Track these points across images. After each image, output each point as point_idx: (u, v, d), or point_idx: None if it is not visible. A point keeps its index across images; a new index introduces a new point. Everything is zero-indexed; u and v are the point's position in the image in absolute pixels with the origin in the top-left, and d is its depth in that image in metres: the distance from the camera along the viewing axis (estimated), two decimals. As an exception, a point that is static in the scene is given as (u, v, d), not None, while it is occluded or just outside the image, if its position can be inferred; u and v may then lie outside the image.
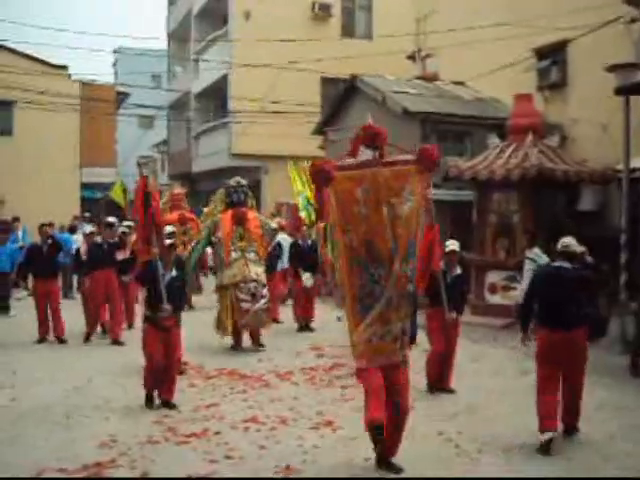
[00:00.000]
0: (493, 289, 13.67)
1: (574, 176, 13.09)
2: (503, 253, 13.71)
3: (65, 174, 24.90)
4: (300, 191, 17.17)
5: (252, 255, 10.88)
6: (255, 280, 10.64)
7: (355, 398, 7.96)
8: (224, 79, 26.78)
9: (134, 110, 31.97)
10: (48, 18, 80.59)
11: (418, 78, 19.27)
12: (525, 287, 11.82)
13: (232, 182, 11.46)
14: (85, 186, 28.80)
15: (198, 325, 11.56)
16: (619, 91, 10.85)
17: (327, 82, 25.35)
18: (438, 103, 16.84)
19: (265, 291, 10.77)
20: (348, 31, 26.97)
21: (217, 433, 6.70)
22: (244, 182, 11.55)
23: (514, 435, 6.60)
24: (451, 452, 6.20)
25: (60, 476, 5.63)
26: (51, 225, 13.24)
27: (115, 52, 44.91)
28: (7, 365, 9.57)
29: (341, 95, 19.35)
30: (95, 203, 31.82)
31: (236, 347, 10.90)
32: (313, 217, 16.77)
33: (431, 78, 19.07)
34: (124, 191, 27.81)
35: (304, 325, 12.82)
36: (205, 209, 12.50)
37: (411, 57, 20.85)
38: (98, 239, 12.14)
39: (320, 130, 20.21)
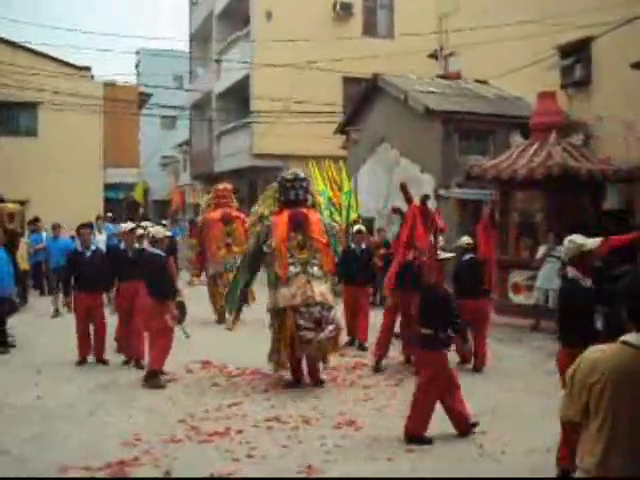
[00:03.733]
0: (517, 289, 13.56)
1: (599, 175, 12.93)
2: (527, 252, 13.60)
3: (89, 174, 25.05)
4: (321, 190, 17.17)
5: (315, 270, 8.43)
6: (319, 303, 8.25)
7: (377, 398, 7.95)
8: (246, 79, 26.83)
9: (156, 110, 32.16)
10: (69, 19, 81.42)
11: (440, 77, 19.20)
12: (547, 285, 11.88)
13: (288, 175, 9.00)
14: (108, 186, 29.01)
15: (220, 327, 11.61)
16: (645, 88, 10.73)
17: (349, 81, 25.30)
18: (461, 102, 16.75)
19: (332, 315, 8.39)
20: (369, 30, 26.88)
21: (239, 432, 6.70)
22: (303, 175, 9.02)
23: (538, 436, 6.53)
24: (474, 452, 6.16)
25: (84, 474, 5.65)
26: (88, 226, 10.91)
27: (137, 53, 45.24)
28: (32, 364, 9.63)
29: (363, 94, 19.32)
30: (118, 203, 32.08)
31: (295, 384, 8.63)
32: (335, 217, 16.79)
33: (453, 77, 18.99)
34: (145, 191, 28.10)
35: (352, 341, 11.11)
36: (255, 208, 9.31)
37: (433, 56, 20.76)
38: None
39: (342, 130, 20.20)
